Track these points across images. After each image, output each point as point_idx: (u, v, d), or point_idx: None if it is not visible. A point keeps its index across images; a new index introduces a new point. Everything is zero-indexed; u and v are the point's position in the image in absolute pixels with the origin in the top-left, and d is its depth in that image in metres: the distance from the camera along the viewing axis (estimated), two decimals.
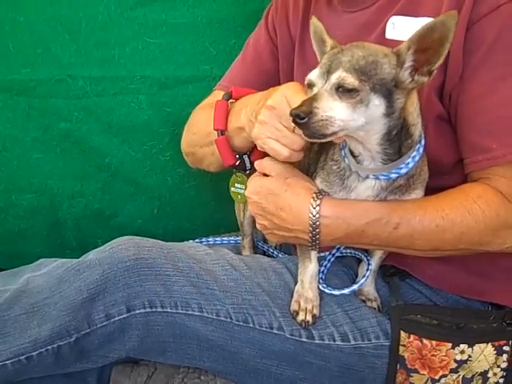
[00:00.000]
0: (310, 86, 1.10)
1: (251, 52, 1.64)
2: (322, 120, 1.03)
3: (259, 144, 1.26)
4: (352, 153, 1.16)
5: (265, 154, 1.43)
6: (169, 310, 1.28)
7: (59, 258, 1.37)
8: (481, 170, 1.21)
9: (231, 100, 1.43)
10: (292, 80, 1.51)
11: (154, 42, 1.85)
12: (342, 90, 1.04)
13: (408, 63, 1.08)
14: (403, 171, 1.15)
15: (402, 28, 1.28)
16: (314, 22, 1.22)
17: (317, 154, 1.30)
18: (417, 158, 1.16)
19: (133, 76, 1.86)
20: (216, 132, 1.39)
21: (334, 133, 1.05)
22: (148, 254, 1.30)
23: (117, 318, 1.27)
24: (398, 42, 1.25)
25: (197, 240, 1.62)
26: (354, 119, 1.04)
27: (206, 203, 1.94)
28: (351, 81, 1.03)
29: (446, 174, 1.28)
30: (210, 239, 1.65)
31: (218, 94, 1.62)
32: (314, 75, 1.09)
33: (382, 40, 1.29)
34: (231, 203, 1.65)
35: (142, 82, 1.86)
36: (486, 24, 1.16)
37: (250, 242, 1.58)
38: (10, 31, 1.82)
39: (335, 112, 1.03)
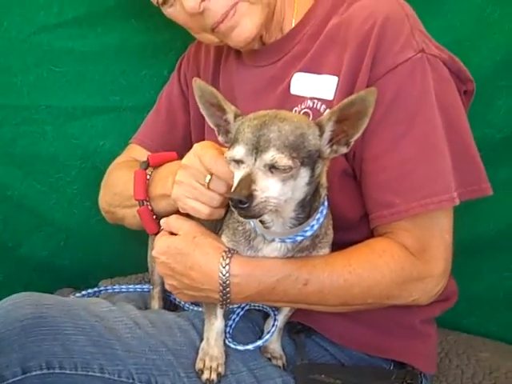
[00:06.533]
0: (237, 162, 1.06)
1: (165, 104, 1.65)
2: (261, 202, 1.01)
3: (180, 205, 1.26)
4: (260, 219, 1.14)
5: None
6: (68, 372, 1.22)
7: None
8: (386, 225, 1.23)
9: (150, 168, 1.43)
10: (203, 132, 1.52)
11: (60, 70, 1.77)
12: (274, 168, 1.02)
13: (328, 134, 1.09)
14: (308, 234, 1.16)
15: (306, 84, 1.29)
16: (200, 84, 1.17)
17: None
18: (321, 220, 1.17)
19: (37, 105, 1.78)
20: (138, 202, 1.39)
21: (270, 210, 1.04)
22: (47, 311, 1.24)
23: (10, 381, 1.19)
24: (301, 98, 1.29)
25: (108, 287, 1.61)
26: (285, 193, 1.04)
27: (112, 240, 1.88)
28: (285, 161, 1.02)
29: (353, 228, 1.30)
30: (122, 286, 1.65)
31: (133, 148, 1.64)
32: (241, 153, 1.04)
33: (287, 95, 1.31)
34: (138, 242, 1.61)
35: (47, 112, 1.79)
36: (384, 84, 1.18)
37: (159, 293, 1.56)
38: None
39: (271, 191, 1.02)
